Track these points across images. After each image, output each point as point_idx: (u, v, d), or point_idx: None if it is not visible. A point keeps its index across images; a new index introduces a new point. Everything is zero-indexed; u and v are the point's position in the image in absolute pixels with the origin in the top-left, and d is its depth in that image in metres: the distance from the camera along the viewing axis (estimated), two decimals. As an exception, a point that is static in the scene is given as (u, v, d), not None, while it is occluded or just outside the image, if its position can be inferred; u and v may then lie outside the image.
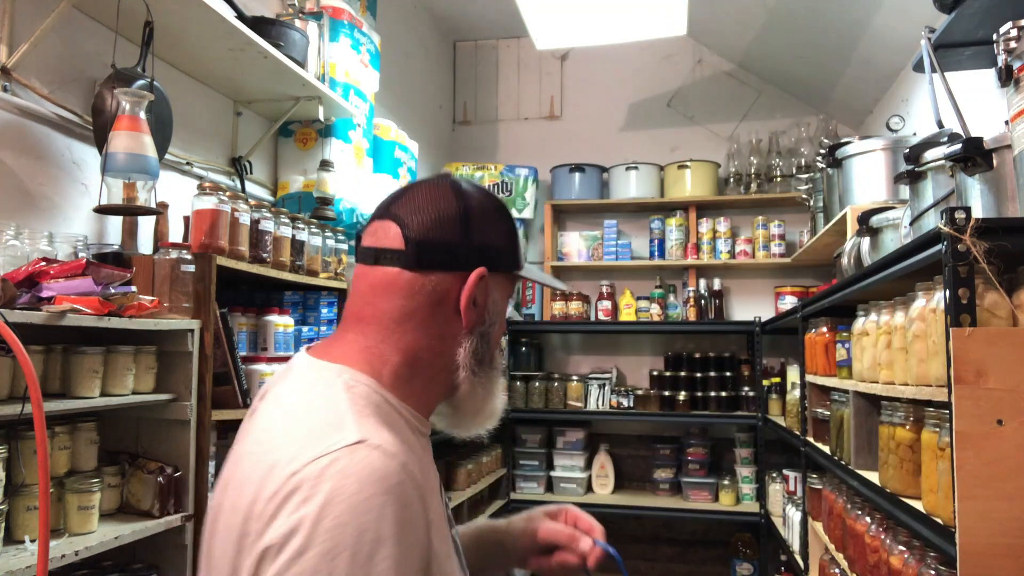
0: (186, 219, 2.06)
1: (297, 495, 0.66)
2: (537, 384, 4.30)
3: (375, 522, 0.66)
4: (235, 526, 0.70)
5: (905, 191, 1.91)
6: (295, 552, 0.64)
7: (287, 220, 2.22)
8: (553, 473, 4.27)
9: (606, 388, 4.27)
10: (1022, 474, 1.18)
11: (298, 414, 0.76)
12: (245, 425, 0.85)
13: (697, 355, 4.21)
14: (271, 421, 0.78)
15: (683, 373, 4.15)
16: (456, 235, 0.84)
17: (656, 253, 4.43)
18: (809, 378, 2.65)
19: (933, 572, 1.47)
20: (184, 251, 1.83)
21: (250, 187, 2.64)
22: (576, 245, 4.55)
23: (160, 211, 1.87)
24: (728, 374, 4.14)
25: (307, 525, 0.64)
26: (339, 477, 0.67)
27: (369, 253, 0.86)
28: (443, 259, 0.84)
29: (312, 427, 0.73)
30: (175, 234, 2.11)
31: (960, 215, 1.22)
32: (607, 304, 4.38)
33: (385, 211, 0.87)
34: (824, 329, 2.46)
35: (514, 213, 4.42)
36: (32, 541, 1.42)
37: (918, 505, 1.48)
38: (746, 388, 4.10)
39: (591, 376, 4.35)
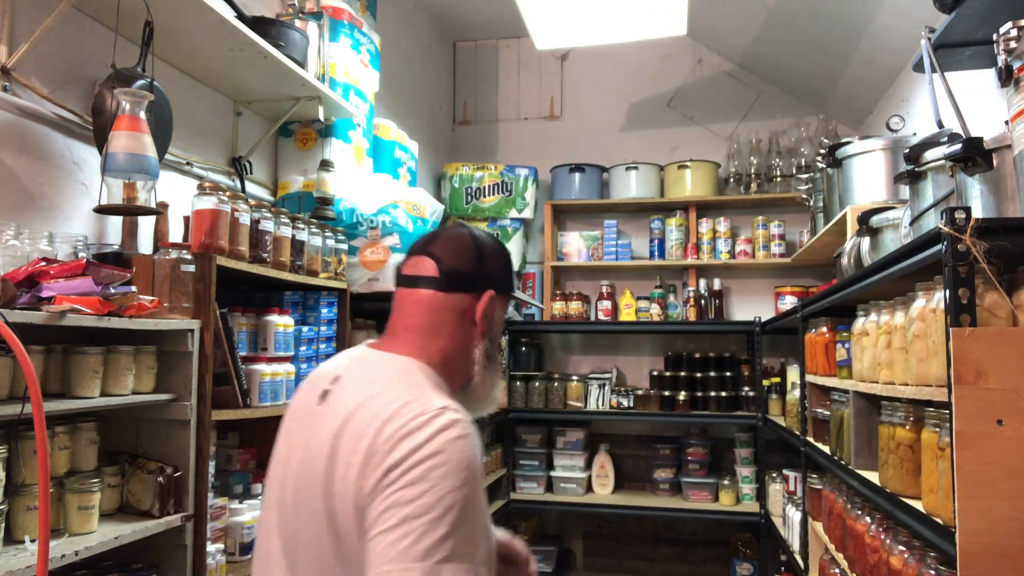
0: (186, 219, 2.06)
1: (409, 437, 0.95)
2: (537, 384, 4.30)
3: (458, 453, 0.96)
4: (357, 463, 0.97)
5: (905, 191, 1.91)
6: (409, 466, 0.94)
7: (287, 220, 2.22)
8: (553, 473, 4.27)
9: (606, 388, 4.27)
10: (1022, 474, 1.18)
11: (393, 387, 1.05)
12: (319, 399, 1.10)
13: (697, 355, 4.21)
14: (369, 391, 1.05)
15: (683, 373, 4.15)
16: (473, 267, 1.17)
17: (656, 253, 4.42)
18: (809, 378, 2.65)
19: (933, 572, 1.47)
20: (184, 251, 1.83)
21: (250, 187, 2.64)
22: (576, 245, 4.55)
23: (160, 211, 1.87)
24: (728, 374, 4.13)
25: (418, 452, 0.94)
26: (437, 426, 0.96)
27: (412, 279, 1.17)
28: (465, 284, 1.16)
29: (409, 396, 1.01)
30: (175, 234, 2.11)
31: (960, 215, 1.22)
32: (607, 304, 4.38)
33: (421, 250, 1.19)
34: (824, 329, 2.46)
35: (514, 213, 4.43)
36: (32, 541, 1.42)
37: (918, 505, 1.48)
38: (746, 388, 4.10)
39: (591, 376, 4.35)
